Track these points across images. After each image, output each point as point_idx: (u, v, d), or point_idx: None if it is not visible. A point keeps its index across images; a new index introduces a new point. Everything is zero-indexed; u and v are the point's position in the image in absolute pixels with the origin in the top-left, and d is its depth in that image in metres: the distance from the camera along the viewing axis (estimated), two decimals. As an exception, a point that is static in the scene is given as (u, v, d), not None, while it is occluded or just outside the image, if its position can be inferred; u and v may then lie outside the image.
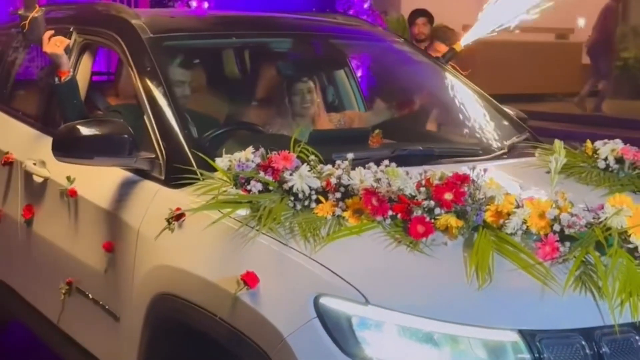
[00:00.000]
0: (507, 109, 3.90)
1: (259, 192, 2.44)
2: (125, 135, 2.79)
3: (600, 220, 2.20)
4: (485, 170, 2.32)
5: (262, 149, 2.53)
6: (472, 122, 3.74)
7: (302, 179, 2.39)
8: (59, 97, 3.36)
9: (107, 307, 2.97)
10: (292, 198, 2.39)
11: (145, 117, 2.96)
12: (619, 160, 2.95)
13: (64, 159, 2.85)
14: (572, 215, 2.21)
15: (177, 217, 2.55)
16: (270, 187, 2.44)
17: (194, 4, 8.57)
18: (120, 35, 3.32)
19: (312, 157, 2.53)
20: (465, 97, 3.78)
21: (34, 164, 3.48)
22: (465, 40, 4.25)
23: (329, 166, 2.47)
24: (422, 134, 3.88)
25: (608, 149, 2.99)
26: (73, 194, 3.14)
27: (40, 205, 3.44)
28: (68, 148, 2.82)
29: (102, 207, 2.97)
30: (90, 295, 3.08)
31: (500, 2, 4.04)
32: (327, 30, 3.91)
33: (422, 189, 2.31)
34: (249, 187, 2.44)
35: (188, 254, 2.50)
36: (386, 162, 2.42)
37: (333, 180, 2.38)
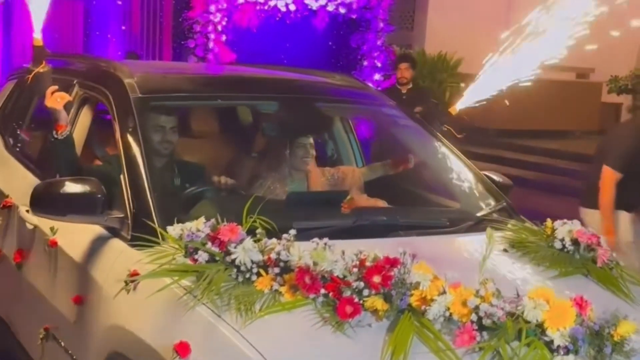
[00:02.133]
0: (493, 175, 3.97)
1: (206, 262, 2.57)
2: (99, 195, 2.96)
3: (518, 312, 2.28)
4: (414, 256, 2.42)
5: (212, 221, 2.66)
6: (449, 190, 3.84)
7: (245, 252, 2.52)
8: (55, 151, 3.55)
9: (74, 357, 3.13)
10: (235, 270, 2.52)
11: (121, 175, 3.13)
12: (575, 242, 3.01)
13: (40, 214, 3.03)
14: (492, 305, 2.29)
15: (133, 279, 2.70)
16: (217, 258, 2.57)
17: (212, 36, 8.91)
18: (111, 92, 3.51)
19: (259, 230, 2.65)
20: (446, 164, 3.88)
21: (27, 210, 3.67)
22: (460, 104, 4.36)
23: (273, 240, 2.59)
24: (402, 196, 3.98)
25: (565, 230, 3.05)
26: (54, 244, 3.31)
27: (29, 250, 3.63)
28: (44, 204, 3.00)
29: (76, 261, 3.14)
30: (62, 343, 3.24)
31: (495, 69, 4.13)
32: (318, 92, 4.05)
33: (355, 270, 2.42)
34: (196, 257, 2.58)
35: (138, 317, 2.64)
36: (322, 241, 2.52)
37: (273, 256, 2.50)
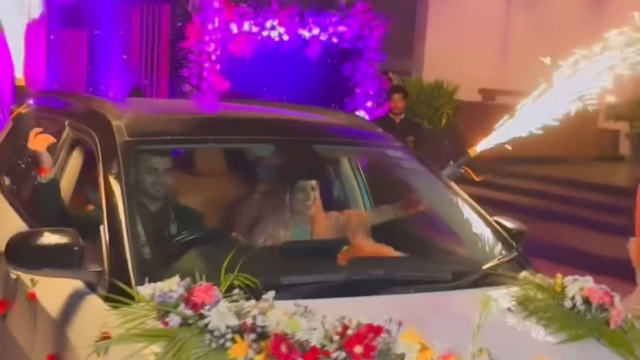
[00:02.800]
0: (504, 221, 3.75)
1: (180, 325, 2.38)
2: (75, 247, 2.79)
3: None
4: (400, 323, 2.20)
5: (187, 279, 2.47)
6: (457, 237, 3.62)
7: (220, 316, 2.32)
8: (39, 196, 3.41)
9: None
10: (208, 335, 2.32)
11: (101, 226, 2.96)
12: (587, 301, 2.78)
13: (14, 268, 2.87)
14: (485, 380, 2.07)
15: (104, 340, 2.52)
16: (190, 321, 2.38)
17: (206, 65, 9.19)
18: (98, 135, 3.36)
19: (236, 290, 2.46)
20: (455, 209, 3.66)
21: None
22: (480, 146, 4.13)
23: (252, 302, 2.39)
24: (409, 242, 3.77)
25: (576, 287, 2.82)
26: (32, 297, 3.15)
27: (13, 301, 3.47)
28: (18, 257, 2.84)
29: (52, 316, 2.97)
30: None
31: (521, 115, 3.90)
32: (316, 133, 3.85)
33: (336, 338, 2.21)
34: (168, 320, 2.39)
35: (107, 383, 2.46)
36: (302, 305, 2.32)
37: (249, 321, 2.31)
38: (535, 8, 13.92)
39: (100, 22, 9.23)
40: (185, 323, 2.38)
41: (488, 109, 11.86)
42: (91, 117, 3.57)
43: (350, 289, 2.85)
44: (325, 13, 9.97)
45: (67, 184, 3.65)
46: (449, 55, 12.48)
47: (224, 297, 2.43)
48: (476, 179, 4.22)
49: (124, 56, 9.30)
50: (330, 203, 4.35)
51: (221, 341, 2.31)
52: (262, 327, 2.29)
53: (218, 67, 9.30)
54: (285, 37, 9.63)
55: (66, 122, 3.75)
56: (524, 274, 3.15)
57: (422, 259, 3.51)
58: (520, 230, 3.77)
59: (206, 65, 9.18)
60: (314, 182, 3.78)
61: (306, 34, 9.81)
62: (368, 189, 4.50)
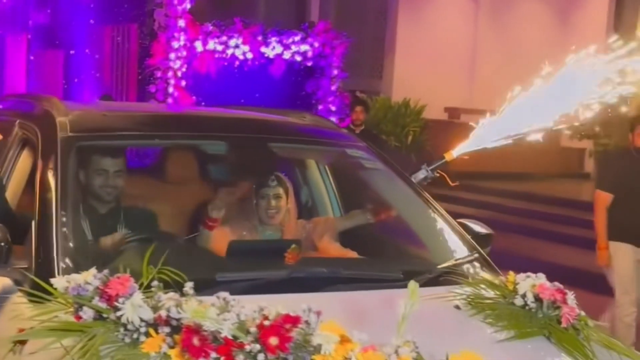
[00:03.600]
0: (471, 224, 3.60)
1: (95, 319, 2.25)
2: (2, 244, 2.67)
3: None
4: (319, 312, 2.06)
5: (105, 272, 2.34)
6: (423, 240, 3.48)
7: (134, 308, 2.19)
8: None
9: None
10: (122, 329, 2.19)
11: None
12: (539, 298, 2.62)
13: None
14: (405, 373, 1.92)
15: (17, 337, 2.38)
16: (105, 315, 2.24)
17: (172, 81, 9.67)
18: (40, 131, 3.24)
19: (154, 282, 2.32)
20: (417, 212, 3.52)
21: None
22: (457, 151, 3.98)
23: (170, 294, 2.25)
24: (375, 247, 3.63)
25: (528, 284, 2.66)
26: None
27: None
28: None
29: None
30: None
31: (500, 121, 3.76)
32: (273, 131, 3.72)
33: (253, 330, 2.07)
34: (81, 314, 2.25)
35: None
36: (222, 296, 2.18)
37: (163, 313, 2.17)
38: (501, 30, 14.32)
39: (75, 43, 9.99)
40: (99, 317, 2.25)
41: (453, 126, 12.41)
42: (39, 115, 3.46)
43: (291, 286, 2.71)
44: (287, 32, 10.48)
45: (16, 182, 3.53)
46: (417, 76, 13.10)
47: (145, 292, 2.30)
48: (451, 184, 4.07)
49: (97, 74, 9.84)
50: (298, 209, 4.22)
51: (135, 335, 2.17)
52: (177, 319, 2.15)
53: (184, 83, 9.76)
54: (249, 55, 10.16)
55: (17, 122, 3.64)
56: (486, 274, 3.01)
57: (377, 259, 3.35)
58: (488, 234, 3.62)
59: (172, 81, 9.61)
60: (280, 190, 3.64)
61: (270, 52, 10.33)
62: (337, 193, 4.37)
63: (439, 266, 3.09)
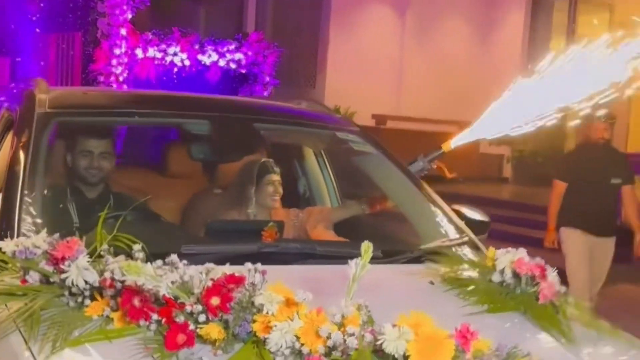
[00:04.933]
0: (466, 210, 3.47)
1: (41, 283, 2.16)
2: None
3: (378, 342, 1.77)
4: (263, 272, 1.95)
5: (56, 235, 2.26)
6: (417, 227, 3.35)
7: (79, 271, 2.10)
8: None
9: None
10: (67, 292, 2.10)
11: None
12: (516, 275, 2.48)
13: None
14: (348, 334, 1.79)
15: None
16: (51, 279, 2.16)
17: (114, 86, 10.28)
18: (20, 108, 3.19)
19: (104, 246, 2.23)
20: (410, 197, 3.41)
21: None
22: (455, 141, 3.86)
23: (121, 257, 2.15)
24: (369, 236, 3.49)
25: (507, 260, 2.52)
26: None
27: None
28: None
29: None
30: None
31: (500, 113, 3.64)
32: (260, 112, 3.62)
33: (197, 291, 1.97)
34: (27, 277, 2.17)
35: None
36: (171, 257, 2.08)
37: (107, 275, 2.07)
38: (426, 44, 15.07)
39: (21, 50, 10.68)
40: (46, 281, 2.16)
41: (379, 131, 13.04)
42: (22, 95, 3.42)
43: (259, 260, 2.60)
44: (223, 41, 11.38)
45: (1, 163, 3.49)
46: (348, 86, 13.68)
47: (96, 259, 2.21)
48: (449, 175, 3.95)
49: (43, 79, 10.61)
50: (296, 200, 4.12)
51: (79, 299, 2.09)
52: (122, 282, 2.06)
53: (125, 87, 10.33)
54: (187, 63, 10.96)
55: (5, 105, 3.60)
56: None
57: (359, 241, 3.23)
58: (483, 221, 3.49)
59: (114, 86, 10.20)
60: (279, 176, 3.56)
61: (206, 60, 11.22)
62: (336, 185, 4.26)
63: (422, 246, 2.97)
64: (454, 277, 2.55)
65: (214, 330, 1.88)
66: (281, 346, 1.81)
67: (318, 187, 4.24)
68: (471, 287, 2.47)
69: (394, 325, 1.78)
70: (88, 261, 2.12)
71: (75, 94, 3.48)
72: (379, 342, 1.77)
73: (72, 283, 2.09)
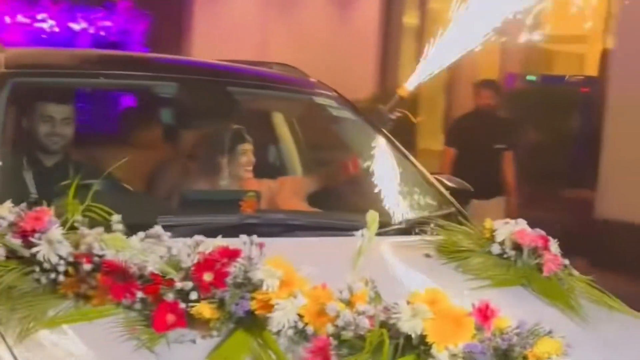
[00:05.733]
0: (445, 179, 3.34)
1: (7, 258, 1.95)
2: None
3: (392, 322, 1.61)
4: (261, 245, 1.77)
5: (23, 205, 2.04)
6: (387, 192, 3.19)
7: (51, 244, 1.89)
8: None
9: None
10: (38, 268, 1.90)
11: None
12: (517, 247, 2.35)
13: None
14: (358, 313, 1.63)
15: None
16: (20, 254, 1.95)
17: None
18: None
19: (77, 217, 2.02)
20: (390, 164, 3.24)
21: None
22: (410, 84, 3.71)
23: (96, 229, 1.95)
24: (346, 206, 3.34)
25: (507, 231, 2.39)
26: None
27: None
28: None
29: None
30: None
31: (442, 43, 3.53)
32: (237, 76, 3.42)
33: (186, 265, 1.78)
34: (-9, 252, 1.96)
35: None
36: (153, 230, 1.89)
37: (83, 248, 1.87)
38: (289, 15, 15.04)
39: None
40: (13, 256, 1.95)
41: None
42: None
43: (243, 232, 2.43)
44: (92, 9, 11.21)
45: None
46: (212, 55, 13.93)
47: (69, 231, 2.00)
48: (414, 120, 3.81)
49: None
50: (267, 169, 3.93)
51: (52, 275, 1.88)
52: (100, 256, 1.86)
53: None
54: (56, 29, 10.72)
55: None
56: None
57: (343, 212, 3.07)
58: (465, 189, 3.36)
59: None
60: (251, 145, 3.37)
61: (76, 26, 10.99)
62: (307, 153, 4.08)
63: (410, 217, 2.81)
64: (451, 249, 2.40)
65: (206, 310, 1.70)
66: (283, 326, 1.64)
67: (289, 156, 4.06)
68: (470, 260, 2.33)
69: (408, 303, 1.62)
70: (62, 234, 1.92)
71: (34, 53, 3.23)
72: (392, 322, 1.61)
73: (44, 258, 1.88)
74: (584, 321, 2.07)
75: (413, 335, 1.58)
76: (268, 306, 1.69)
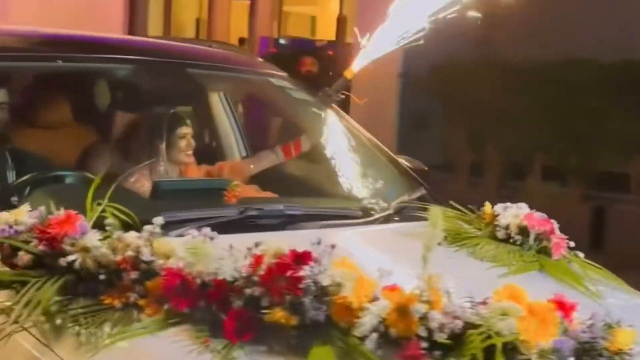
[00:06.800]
0: (404, 161, 3.34)
1: (32, 267, 1.78)
2: None
3: (482, 321, 1.60)
4: (333, 246, 1.71)
5: (41, 209, 1.87)
6: (355, 176, 3.15)
7: (88, 251, 1.75)
8: None
9: None
10: (74, 278, 1.74)
11: None
12: (522, 230, 2.39)
13: None
14: (445, 313, 1.61)
15: None
16: (46, 261, 1.78)
17: None
18: None
19: (110, 220, 1.87)
20: (352, 146, 3.20)
21: None
22: (356, 66, 3.66)
23: (131, 234, 1.82)
24: (299, 189, 3.27)
25: (510, 215, 2.42)
26: None
27: None
28: None
29: None
30: None
31: (390, 24, 3.48)
32: (192, 56, 3.27)
33: (249, 270, 1.69)
34: (15, 261, 1.78)
35: None
36: (200, 232, 1.77)
37: (130, 254, 1.74)
38: None
39: None
40: (39, 264, 1.78)
41: None
42: None
43: (248, 225, 2.34)
44: None
45: None
46: None
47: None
48: (359, 102, 3.77)
49: None
50: (201, 152, 3.79)
51: (91, 285, 1.74)
52: (148, 262, 1.74)
53: None
54: None
55: None
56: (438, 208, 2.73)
57: (322, 198, 3.01)
58: (422, 169, 3.37)
59: None
60: (190, 129, 3.22)
61: None
62: (245, 133, 3.97)
63: (396, 202, 2.80)
64: (461, 236, 2.41)
65: (283, 316, 1.62)
66: (371, 331, 1.59)
67: (226, 138, 3.94)
68: (480, 247, 2.35)
69: (496, 301, 1.61)
70: (99, 239, 1.77)
71: None
72: (480, 322, 1.59)
73: (81, 266, 1.74)
74: (597, 298, 2.13)
75: (506, 334, 1.58)
76: (346, 311, 1.63)
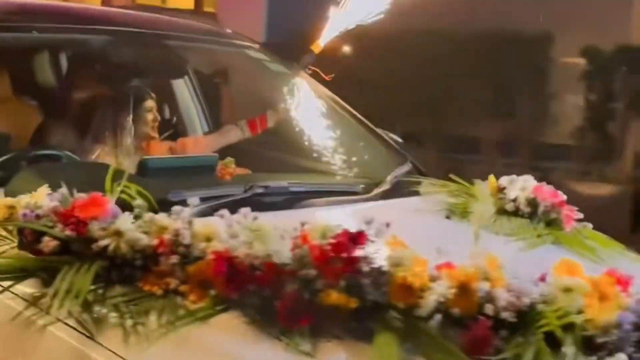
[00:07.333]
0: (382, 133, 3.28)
1: (57, 254, 1.65)
2: None
3: (545, 299, 1.56)
4: (388, 224, 1.63)
5: (64, 189, 1.73)
6: (342, 150, 3.08)
7: (122, 236, 1.62)
8: None
9: None
10: (107, 264, 1.62)
11: None
12: (531, 203, 2.37)
13: None
14: (509, 290, 1.56)
15: None
16: (74, 248, 1.65)
17: None
18: None
19: (138, 201, 1.75)
20: (334, 119, 3.12)
21: None
22: (323, 40, 3.55)
23: (163, 215, 1.70)
24: (277, 164, 3.17)
25: (517, 187, 2.40)
26: None
27: None
28: None
29: None
30: None
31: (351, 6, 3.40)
32: (166, 27, 3.12)
33: (297, 252, 1.60)
34: (40, 247, 1.64)
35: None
36: (246, 210, 1.68)
37: (168, 238, 1.62)
38: None
39: None
40: (66, 251, 1.65)
41: None
42: None
43: (256, 205, 2.23)
44: None
45: None
46: None
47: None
48: (326, 78, 3.68)
49: None
50: (162, 127, 3.64)
51: (127, 271, 1.62)
52: (188, 246, 1.63)
53: None
54: None
55: None
56: (429, 181, 2.70)
57: (312, 174, 2.92)
58: (400, 142, 3.32)
59: None
60: (155, 103, 3.08)
61: None
62: (207, 109, 3.84)
63: (390, 177, 2.73)
64: (464, 209, 2.38)
65: (342, 298, 1.54)
66: (435, 312, 1.54)
67: (188, 113, 3.79)
68: (498, 221, 2.32)
69: (558, 277, 1.58)
70: (132, 222, 1.65)
71: None
72: (546, 298, 1.56)
73: (116, 252, 1.61)
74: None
75: (571, 311, 1.54)
76: (405, 291, 1.57)
